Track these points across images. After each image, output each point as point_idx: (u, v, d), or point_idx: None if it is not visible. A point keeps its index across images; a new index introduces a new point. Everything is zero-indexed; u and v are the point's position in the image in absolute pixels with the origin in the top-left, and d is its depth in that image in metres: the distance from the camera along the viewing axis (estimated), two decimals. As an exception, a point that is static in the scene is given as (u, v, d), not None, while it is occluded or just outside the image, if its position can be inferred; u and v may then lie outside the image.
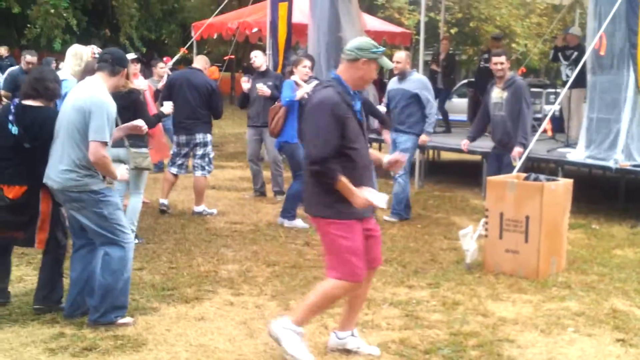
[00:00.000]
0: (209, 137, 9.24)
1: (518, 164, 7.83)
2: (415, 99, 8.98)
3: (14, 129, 5.24)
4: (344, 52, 4.59)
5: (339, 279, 4.51)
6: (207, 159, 9.22)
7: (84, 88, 5.20)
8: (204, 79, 9.34)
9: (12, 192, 5.22)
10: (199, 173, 9.17)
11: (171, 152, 9.25)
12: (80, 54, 7.10)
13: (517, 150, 8.14)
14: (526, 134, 8.26)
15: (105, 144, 5.01)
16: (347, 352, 4.79)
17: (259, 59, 10.19)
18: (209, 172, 9.34)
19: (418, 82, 9.07)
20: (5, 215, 5.25)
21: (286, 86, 8.64)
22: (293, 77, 8.68)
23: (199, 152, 9.18)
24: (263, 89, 9.78)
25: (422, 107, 8.98)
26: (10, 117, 5.27)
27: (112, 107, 5.11)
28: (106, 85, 5.21)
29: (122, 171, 5.38)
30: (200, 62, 9.57)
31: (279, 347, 4.60)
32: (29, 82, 5.43)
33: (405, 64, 9.07)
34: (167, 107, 8.12)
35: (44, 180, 5.15)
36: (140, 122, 6.07)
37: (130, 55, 8.76)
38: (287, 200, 8.73)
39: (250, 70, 11.12)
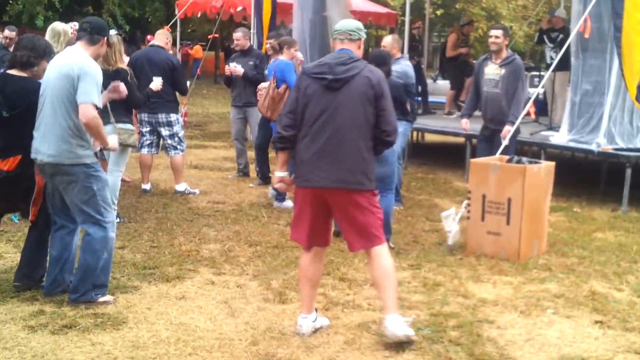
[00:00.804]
0: (173, 117, 8.97)
1: (505, 142, 7.82)
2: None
3: None
4: (345, 32, 4.77)
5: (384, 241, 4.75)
6: (177, 138, 9.00)
7: (66, 56, 5.14)
8: (165, 56, 9.00)
9: (7, 164, 5.19)
10: (172, 153, 9.03)
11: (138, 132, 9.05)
12: (58, 31, 7.04)
13: (507, 128, 8.12)
14: (519, 114, 8.22)
15: (95, 106, 4.94)
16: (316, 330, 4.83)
17: (241, 41, 10.04)
18: (182, 150, 9.13)
19: (401, 72, 8.38)
20: (2, 187, 5.22)
21: (288, 70, 8.36)
22: (282, 57, 8.61)
23: (166, 132, 8.96)
24: (237, 68, 9.72)
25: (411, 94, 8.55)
26: None
27: (99, 72, 5.07)
28: (87, 53, 5.14)
29: (113, 140, 5.32)
30: (160, 38, 9.21)
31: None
32: (14, 52, 5.41)
33: (391, 49, 8.44)
34: (156, 82, 8.02)
35: (33, 156, 5.10)
36: (117, 83, 5.95)
37: (111, 32, 8.68)
38: None
39: (231, 51, 10.97)
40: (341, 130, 4.58)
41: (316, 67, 4.76)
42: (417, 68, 14.54)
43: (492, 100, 8.47)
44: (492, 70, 8.44)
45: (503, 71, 8.36)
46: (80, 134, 5.03)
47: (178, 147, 9.02)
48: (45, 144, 5.02)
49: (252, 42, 10.90)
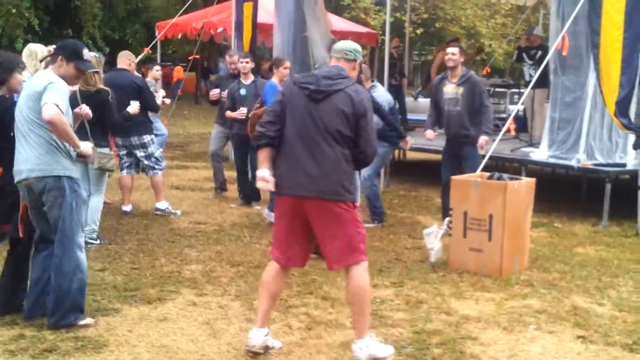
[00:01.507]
0: (146, 138, 8.90)
1: (483, 151, 7.90)
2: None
3: None
4: (342, 52, 4.81)
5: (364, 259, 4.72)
6: (153, 159, 8.97)
7: (35, 79, 5.12)
8: (129, 78, 8.84)
9: None
10: (151, 173, 9.01)
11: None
12: (34, 52, 7.02)
13: (483, 138, 8.19)
14: (491, 124, 8.35)
15: (57, 106, 4.84)
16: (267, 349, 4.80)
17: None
18: (161, 169, 9.12)
19: (384, 100, 8.42)
20: None
21: (271, 92, 8.22)
22: (274, 78, 8.64)
23: (141, 154, 8.92)
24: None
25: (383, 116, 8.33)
26: None
27: (63, 85, 5.02)
28: (53, 72, 5.11)
29: (86, 145, 5.25)
30: (123, 60, 9.07)
31: None
32: None
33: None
34: (133, 106, 8.01)
35: (17, 179, 5.06)
36: (82, 108, 5.77)
37: (91, 54, 8.66)
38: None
39: (209, 71, 10.94)
40: (319, 141, 4.58)
41: (304, 78, 4.82)
42: (398, 88, 14.65)
43: (454, 118, 8.42)
44: (451, 89, 8.40)
45: (461, 89, 8.32)
46: (61, 147, 5.01)
47: (156, 167, 9.00)
48: (28, 163, 4.99)
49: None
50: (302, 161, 4.60)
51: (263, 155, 4.79)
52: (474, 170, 7.72)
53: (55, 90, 4.93)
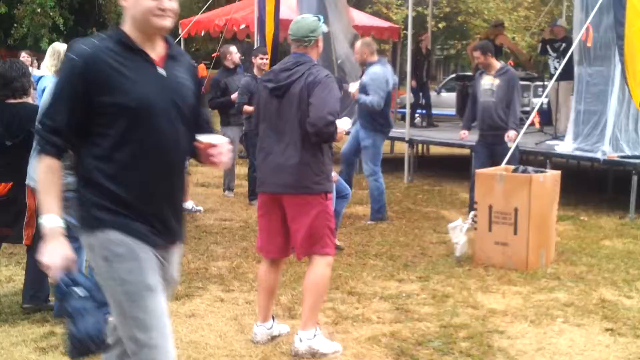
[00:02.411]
0: None
1: (513, 146, 7.88)
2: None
3: None
4: (299, 40, 4.73)
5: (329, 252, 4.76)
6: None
7: None
8: None
9: None
10: None
11: None
12: (58, 51, 7.07)
13: (513, 132, 8.19)
14: (517, 121, 8.35)
15: None
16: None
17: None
18: (186, 170, 9.22)
19: (370, 74, 8.29)
20: None
21: None
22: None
23: None
24: None
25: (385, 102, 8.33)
26: None
27: None
28: None
29: None
30: None
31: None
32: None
33: (362, 55, 8.37)
34: None
35: (27, 182, 5.12)
36: None
37: None
38: None
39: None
40: (283, 136, 4.65)
41: (266, 75, 4.98)
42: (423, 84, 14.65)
43: (487, 109, 8.47)
44: (488, 81, 8.51)
45: (497, 81, 8.41)
46: (71, 163, 5.04)
47: (185, 165, 9.06)
48: None
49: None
50: (271, 157, 4.71)
51: None
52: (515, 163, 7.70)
53: None
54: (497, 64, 8.53)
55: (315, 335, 4.67)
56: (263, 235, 4.90)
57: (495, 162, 8.07)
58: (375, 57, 8.39)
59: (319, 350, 4.64)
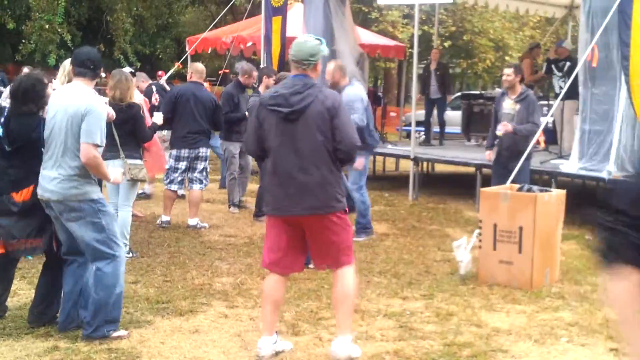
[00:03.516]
0: (208, 152, 9.31)
1: (518, 166, 7.95)
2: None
3: (1, 131, 5.28)
4: (300, 62, 4.81)
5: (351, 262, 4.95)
6: (204, 173, 9.24)
7: (71, 95, 5.14)
8: (208, 94, 9.42)
9: (21, 195, 5.26)
10: (197, 187, 9.20)
11: (167, 167, 9.20)
12: (64, 66, 7.13)
13: (509, 125, 8.43)
14: (525, 130, 8.47)
15: (96, 145, 5.00)
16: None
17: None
18: (205, 185, 9.37)
19: (347, 95, 8.19)
20: (20, 221, 5.27)
21: None
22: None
23: (200, 166, 9.15)
24: None
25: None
26: (1, 120, 5.32)
27: (104, 111, 5.15)
28: (92, 90, 5.19)
29: (115, 174, 5.38)
30: (200, 74, 9.51)
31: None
32: (13, 96, 5.46)
33: (334, 77, 8.40)
34: (158, 117, 8.13)
35: (40, 194, 5.14)
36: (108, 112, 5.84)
37: (126, 69, 8.84)
38: None
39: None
40: (303, 159, 4.71)
41: (271, 99, 4.83)
42: (438, 100, 14.62)
43: (508, 133, 8.52)
44: (509, 105, 8.61)
45: (518, 106, 8.50)
46: (88, 172, 5.09)
47: (204, 181, 9.24)
48: (52, 183, 5.05)
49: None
50: (288, 181, 4.75)
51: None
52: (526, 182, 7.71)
53: (95, 121, 5.00)
54: (519, 88, 8.61)
55: (351, 341, 4.86)
56: (275, 252, 4.91)
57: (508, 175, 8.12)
58: (347, 80, 8.52)
59: (353, 355, 4.84)
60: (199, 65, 9.86)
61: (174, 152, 9.17)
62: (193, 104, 9.02)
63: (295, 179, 4.72)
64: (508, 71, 8.69)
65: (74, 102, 5.06)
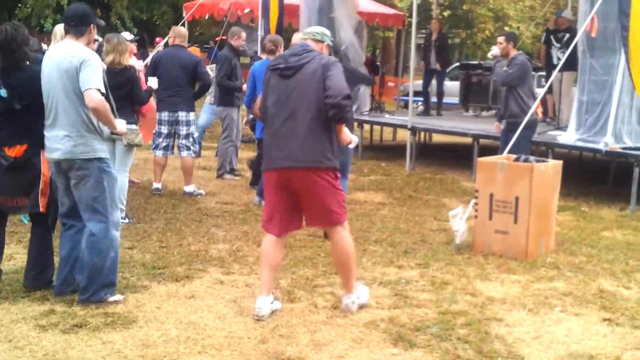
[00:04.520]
0: (191, 116, 9.10)
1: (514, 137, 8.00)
2: None
3: (3, 92, 5.23)
4: (310, 33, 5.25)
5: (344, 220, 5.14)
6: (191, 139, 9.11)
7: (62, 51, 5.09)
8: (188, 54, 9.29)
9: (14, 151, 5.24)
10: (185, 153, 9.11)
11: (153, 132, 9.13)
12: (55, 33, 7.07)
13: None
14: (523, 106, 8.69)
15: (99, 90, 4.95)
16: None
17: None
18: (195, 151, 9.27)
19: None
20: (8, 177, 5.27)
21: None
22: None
23: (183, 131, 9.03)
24: None
25: None
26: None
27: (97, 59, 5.08)
28: (80, 44, 5.12)
29: (121, 124, 5.34)
30: (182, 37, 9.37)
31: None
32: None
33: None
34: (153, 81, 8.11)
35: (47, 155, 5.13)
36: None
37: (128, 36, 8.78)
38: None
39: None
40: (295, 113, 4.90)
41: (274, 60, 5.24)
42: (436, 71, 14.54)
43: (503, 97, 8.97)
44: (501, 70, 8.83)
45: (510, 70, 8.67)
46: (94, 127, 5.07)
47: (191, 147, 9.11)
48: (60, 142, 5.03)
49: (258, 45, 10.96)
50: (281, 135, 4.93)
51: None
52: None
53: (91, 69, 4.96)
54: (512, 53, 8.83)
55: (359, 292, 5.20)
56: (274, 211, 5.06)
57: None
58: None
59: (364, 302, 5.23)
60: (181, 29, 9.74)
61: (157, 115, 9.08)
62: (172, 67, 8.90)
63: (286, 133, 4.91)
64: (500, 39, 9.00)
65: (65, 57, 5.02)
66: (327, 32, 5.32)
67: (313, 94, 4.87)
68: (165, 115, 9.01)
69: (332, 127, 4.96)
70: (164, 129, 9.05)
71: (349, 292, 5.16)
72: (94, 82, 4.95)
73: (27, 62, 5.32)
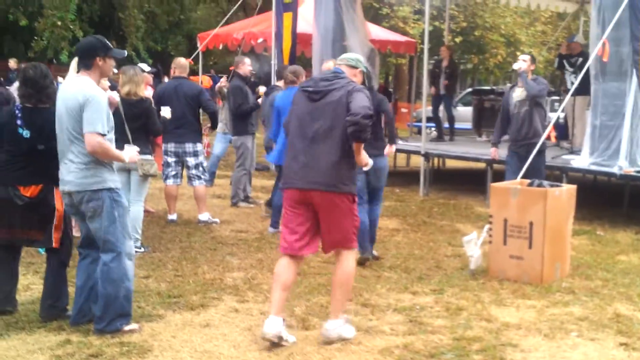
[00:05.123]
0: (199, 147, 9.12)
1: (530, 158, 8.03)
2: None
3: (25, 133, 5.31)
4: (345, 59, 5.36)
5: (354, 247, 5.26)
6: (200, 168, 9.13)
7: (70, 86, 5.14)
8: (190, 84, 9.30)
9: (29, 191, 5.32)
10: (196, 183, 9.15)
11: (162, 163, 9.13)
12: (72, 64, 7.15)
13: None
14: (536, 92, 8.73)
15: (99, 134, 4.96)
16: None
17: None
18: (206, 180, 9.34)
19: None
20: (22, 214, 5.35)
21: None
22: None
23: (191, 162, 9.06)
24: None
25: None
26: (19, 122, 5.34)
27: (102, 98, 5.07)
28: (89, 79, 5.13)
29: (131, 153, 5.36)
30: (182, 68, 9.36)
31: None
32: (24, 85, 5.45)
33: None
34: (166, 111, 8.16)
35: (61, 188, 5.18)
36: (110, 96, 5.80)
37: (145, 67, 8.87)
38: (276, 210, 8.61)
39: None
40: (316, 137, 5.03)
41: (306, 82, 5.41)
42: (444, 97, 14.56)
43: (520, 119, 8.73)
44: (519, 93, 8.73)
45: (525, 93, 8.61)
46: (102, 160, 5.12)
47: (202, 176, 9.15)
48: (71, 174, 5.08)
49: (272, 73, 11.07)
50: (302, 156, 5.06)
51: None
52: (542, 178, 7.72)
53: (94, 110, 4.96)
54: (530, 75, 8.77)
55: (344, 323, 5.10)
56: (292, 232, 5.12)
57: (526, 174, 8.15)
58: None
59: (345, 336, 5.09)
60: (181, 60, 9.70)
61: (163, 146, 9.10)
62: (175, 98, 8.86)
63: (306, 155, 5.04)
64: (526, 57, 8.88)
65: (71, 93, 5.06)
66: (362, 59, 5.42)
67: (336, 119, 4.98)
68: (171, 146, 9.04)
69: (351, 152, 5.02)
70: (171, 160, 9.09)
71: (334, 316, 5.12)
72: (94, 125, 4.96)
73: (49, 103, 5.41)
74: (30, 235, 5.47)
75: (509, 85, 9.12)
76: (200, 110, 9.33)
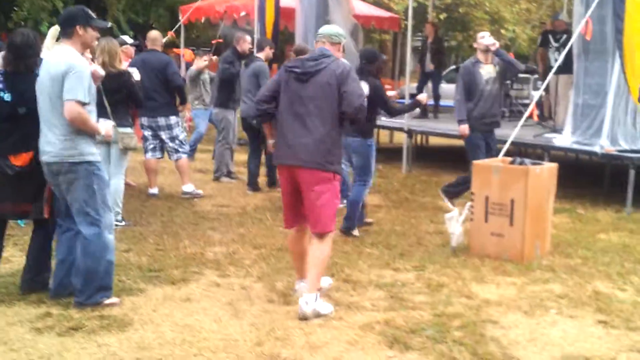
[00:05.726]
0: (172, 120, 8.95)
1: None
2: None
3: (7, 96, 5.24)
4: (327, 36, 5.42)
5: (330, 230, 5.36)
6: (177, 141, 9.02)
7: (54, 56, 5.11)
8: (158, 56, 9.09)
9: (20, 159, 5.25)
10: (175, 157, 9.09)
11: (141, 137, 9.04)
12: (55, 35, 7.07)
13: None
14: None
15: (79, 102, 4.93)
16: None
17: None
18: (186, 152, 9.23)
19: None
20: (13, 186, 5.28)
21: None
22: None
23: (166, 136, 8.97)
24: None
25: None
26: (0, 85, 5.26)
27: (84, 67, 5.03)
28: (72, 48, 5.09)
29: (107, 126, 5.36)
30: (153, 41, 9.25)
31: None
32: (7, 49, 5.40)
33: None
34: (135, 73, 8.01)
35: (40, 158, 5.12)
36: (95, 70, 5.64)
37: (128, 39, 8.75)
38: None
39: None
40: (305, 117, 5.17)
41: (292, 62, 5.46)
42: (432, 74, 14.53)
43: (493, 97, 8.41)
44: (488, 70, 8.34)
45: (498, 68, 8.36)
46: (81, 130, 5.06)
47: (180, 149, 9.05)
48: (49, 145, 5.04)
49: (254, 47, 10.95)
50: (291, 134, 5.20)
51: (266, 129, 6.29)
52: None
53: (75, 78, 4.93)
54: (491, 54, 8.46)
55: (317, 298, 5.13)
56: (288, 207, 5.40)
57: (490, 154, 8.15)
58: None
59: (320, 311, 5.12)
60: (153, 33, 9.57)
61: (139, 120, 8.93)
62: (143, 71, 8.56)
63: (295, 133, 5.17)
64: (487, 34, 8.62)
65: (55, 63, 5.01)
66: (341, 32, 5.53)
67: (324, 101, 5.15)
68: (145, 120, 8.95)
69: (339, 134, 5.23)
70: (147, 132, 9.02)
71: (309, 291, 5.16)
72: (75, 93, 4.92)
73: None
74: (22, 208, 5.41)
75: (471, 60, 8.62)
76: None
